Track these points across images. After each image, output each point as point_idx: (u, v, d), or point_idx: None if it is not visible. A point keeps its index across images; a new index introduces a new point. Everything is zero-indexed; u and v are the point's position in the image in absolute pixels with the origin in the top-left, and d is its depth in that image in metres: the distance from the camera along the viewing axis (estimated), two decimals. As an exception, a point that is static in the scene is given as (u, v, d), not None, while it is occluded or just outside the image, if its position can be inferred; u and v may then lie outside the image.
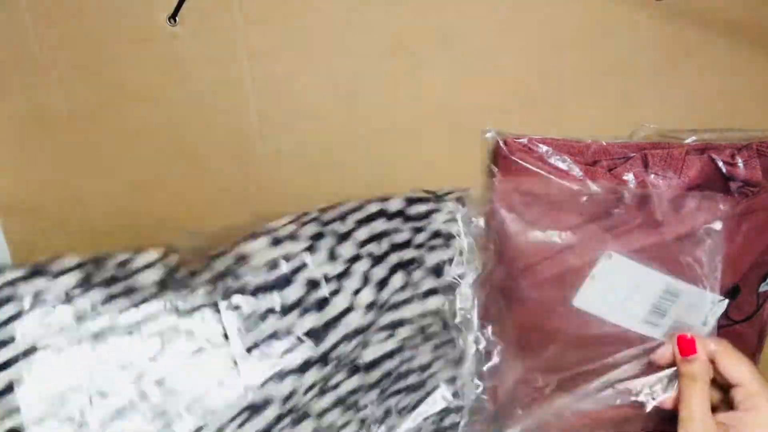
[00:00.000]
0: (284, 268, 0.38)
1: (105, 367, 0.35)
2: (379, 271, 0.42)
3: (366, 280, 0.41)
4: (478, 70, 0.46)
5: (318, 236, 0.40)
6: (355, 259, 0.41)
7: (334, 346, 0.39)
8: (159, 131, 0.47)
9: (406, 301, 0.43)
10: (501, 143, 0.47)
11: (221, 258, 0.38)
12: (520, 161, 0.46)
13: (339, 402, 0.42)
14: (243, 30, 0.44)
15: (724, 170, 0.46)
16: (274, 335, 0.37)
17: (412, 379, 0.46)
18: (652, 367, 0.47)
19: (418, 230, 0.44)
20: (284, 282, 0.38)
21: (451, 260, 0.45)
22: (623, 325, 0.48)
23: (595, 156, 0.47)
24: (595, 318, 0.48)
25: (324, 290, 0.39)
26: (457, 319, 0.46)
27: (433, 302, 0.44)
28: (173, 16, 0.44)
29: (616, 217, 0.46)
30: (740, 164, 0.46)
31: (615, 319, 0.48)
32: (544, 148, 0.47)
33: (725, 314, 0.48)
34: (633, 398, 0.49)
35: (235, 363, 0.36)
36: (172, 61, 0.45)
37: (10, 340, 0.33)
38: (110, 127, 0.47)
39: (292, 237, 0.40)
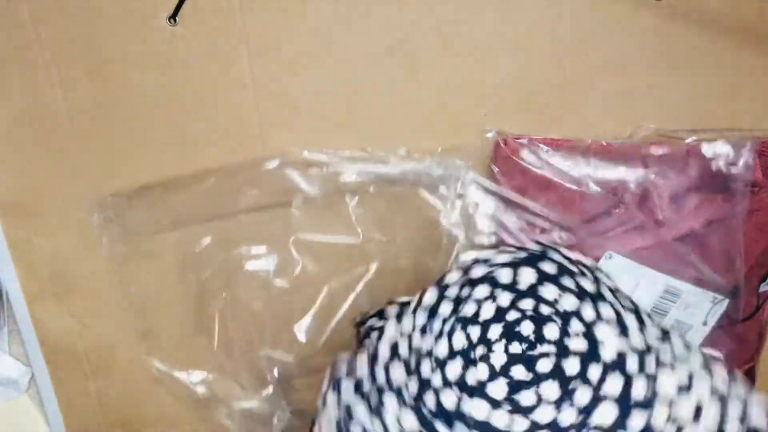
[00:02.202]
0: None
1: None
2: None
3: None
4: (477, 70, 0.46)
5: None
6: None
7: None
8: (159, 131, 0.47)
9: None
10: (501, 143, 0.47)
11: None
12: (521, 161, 0.46)
13: None
14: (243, 30, 0.44)
15: (724, 171, 0.46)
16: None
17: None
18: None
19: None
20: None
21: None
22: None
23: (595, 156, 0.47)
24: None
25: None
26: None
27: None
28: (173, 16, 0.44)
29: (616, 217, 0.46)
30: (740, 165, 0.46)
31: (615, 319, 0.48)
32: (544, 148, 0.47)
33: (725, 314, 0.48)
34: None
35: None
36: (172, 61, 0.45)
37: None
38: (110, 126, 0.47)
39: None
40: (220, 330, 0.52)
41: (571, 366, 0.30)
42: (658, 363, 0.32)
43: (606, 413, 0.30)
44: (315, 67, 0.45)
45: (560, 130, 0.47)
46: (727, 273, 0.48)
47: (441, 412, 0.31)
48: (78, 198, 0.49)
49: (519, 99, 0.47)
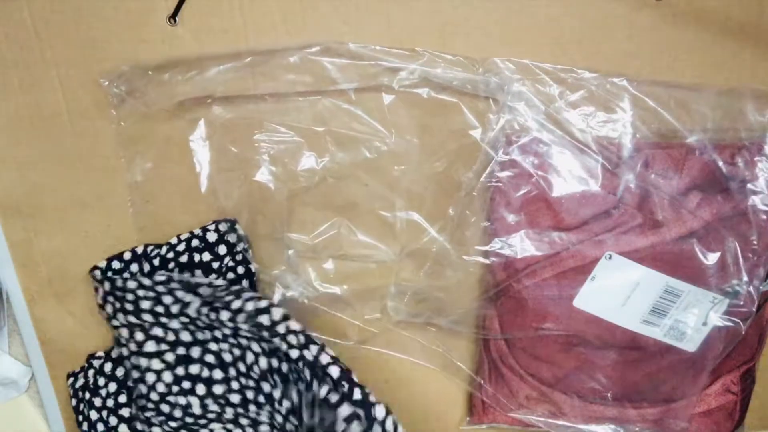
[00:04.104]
0: None
1: None
2: None
3: None
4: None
5: None
6: None
7: None
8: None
9: None
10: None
11: None
12: (521, 161, 0.46)
13: None
14: (243, 30, 0.44)
15: (724, 170, 0.46)
16: None
17: None
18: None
19: None
20: None
21: None
22: (623, 326, 0.48)
23: (595, 156, 0.47)
24: (595, 318, 0.48)
25: None
26: None
27: None
28: (173, 16, 0.44)
29: (616, 217, 0.46)
30: (740, 164, 0.46)
31: (615, 320, 0.48)
32: (544, 147, 0.47)
33: (725, 314, 0.48)
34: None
35: None
36: (172, 61, 0.45)
37: None
38: (110, 127, 0.47)
39: None
40: (237, 214, 0.50)
41: None
42: None
43: None
44: (315, 66, 0.45)
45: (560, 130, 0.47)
46: (727, 273, 0.48)
47: None
48: (78, 198, 0.49)
49: (519, 99, 0.47)
